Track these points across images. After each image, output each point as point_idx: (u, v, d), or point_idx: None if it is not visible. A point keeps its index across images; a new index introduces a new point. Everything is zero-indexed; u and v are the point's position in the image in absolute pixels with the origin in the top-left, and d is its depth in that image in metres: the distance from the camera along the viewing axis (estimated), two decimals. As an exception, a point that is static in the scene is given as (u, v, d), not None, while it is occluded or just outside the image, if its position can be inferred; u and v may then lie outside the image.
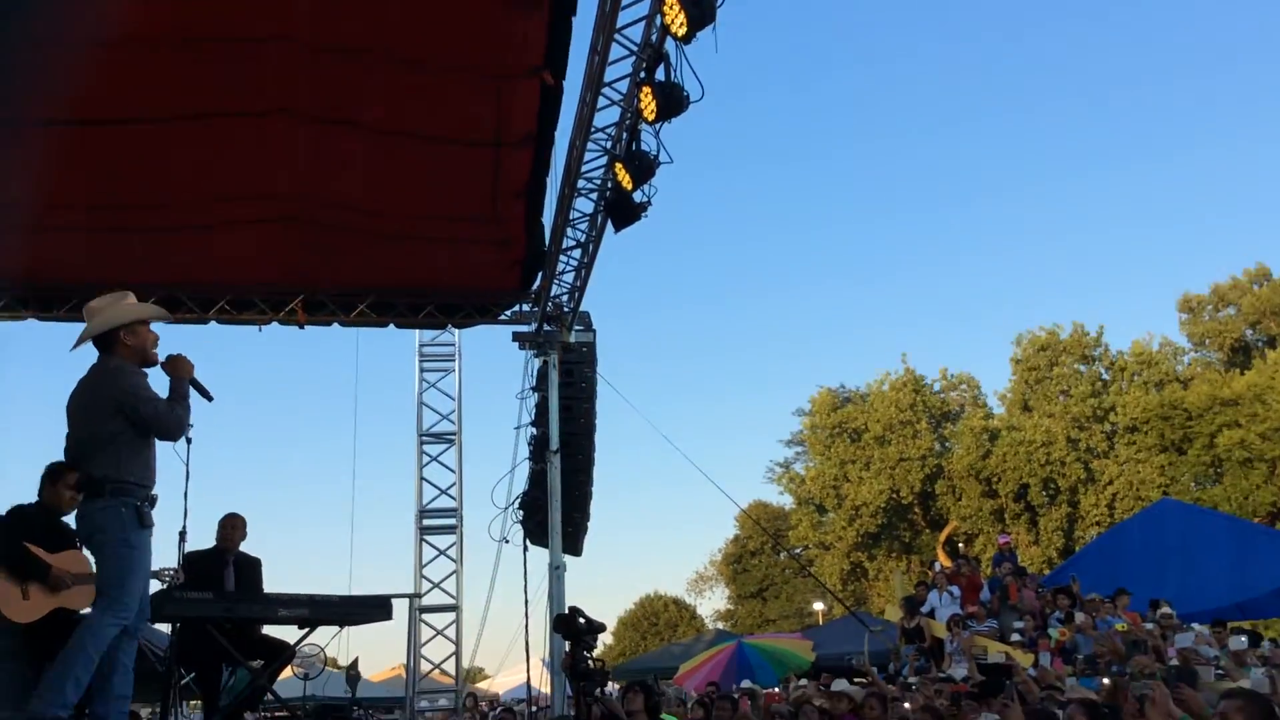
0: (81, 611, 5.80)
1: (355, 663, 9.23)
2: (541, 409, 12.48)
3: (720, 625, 47.77)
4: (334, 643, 8.25)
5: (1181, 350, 41.63)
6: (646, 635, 52.73)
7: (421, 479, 13.23)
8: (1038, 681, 9.06)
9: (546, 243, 11.09)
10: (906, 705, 9.12)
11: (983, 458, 38.29)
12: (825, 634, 22.26)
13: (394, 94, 8.56)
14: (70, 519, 5.79)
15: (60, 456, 5.63)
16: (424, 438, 13.36)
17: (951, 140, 68.14)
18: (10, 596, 5.55)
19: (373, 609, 7.82)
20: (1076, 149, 64.43)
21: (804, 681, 14.76)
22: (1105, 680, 8.98)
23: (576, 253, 11.31)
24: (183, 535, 6.82)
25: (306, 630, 7.66)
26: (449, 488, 13.22)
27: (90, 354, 5.49)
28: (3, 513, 5.97)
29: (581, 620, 6.87)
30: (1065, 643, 12.14)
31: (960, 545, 37.15)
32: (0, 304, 11.18)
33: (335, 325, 12.07)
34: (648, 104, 7.70)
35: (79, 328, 5.57)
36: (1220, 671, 9.12)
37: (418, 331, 13.21)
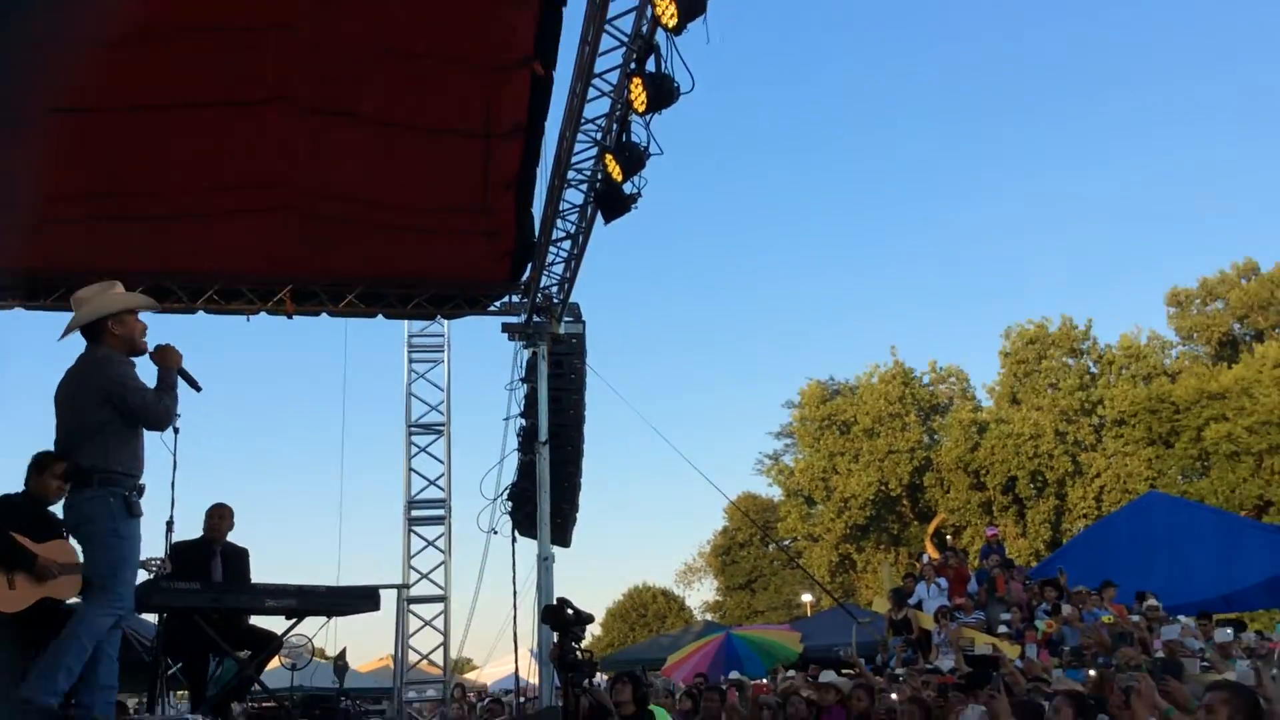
0: (68, 601, 5.79)
1: (343, 653, 9.18)
2: (531, 400, 12.47)
3: (709, 616, 47.84)
4: (321, 633, 8.24)
5: (1169, 344, 41.80)
6: (635, 626, 52.80)
7: (410, 470, 13.20)
8: (1024, 673, 9.10)
9: (536, 234, 11.07)
10: (894, 696, 9.16)
11: (971, 450, 38.39)
12: (813, 625, 22.32)
13: (385, 85, 8.55)
14: (57, 509, 5.78)
15: (44, 446, 5.62)
16: (412, 428, 13.33)
17: (941, 134, 68.24)
18: (-4, 586, 5.53)
19: (360, 600, 7.82)
20: (1067, 143, 64.62)
21: (792, 673, 14.78)
22: (1091, 672, 9.03)
23: (566, 244, 11.29)
24: (170, 525, 6.80)
25: (294, 621, 7.65)
26: (438, 479, 13.20)
27: (79, 344, 5.48)
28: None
29: (570, 611, 6.87)
30: (1052, 634, 12.21)
31: (948, 537, 37.27)
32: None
33: (324, 315, 12.04)
34: (638, 95, 7.68)
35: (67, 316, 5.56)
36: (1205, 663, 9.16)
37: (406, 322, 13.17)
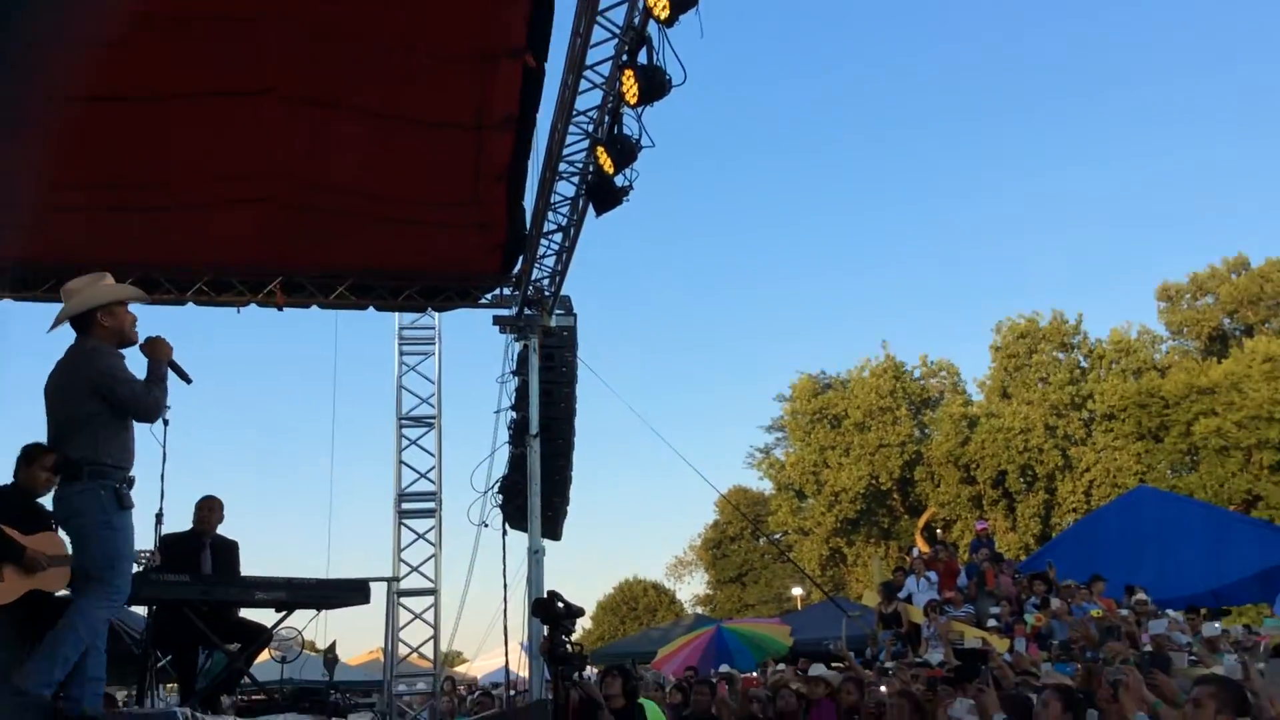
0: (57, 594, 5.77)
1: (333, 646, 9.22)
2: (522, 393, 12.45)
3: (699, 610, 47.97)
4: (311, 626, 8.24)
5: (1159, 339, 41.98)
6: (625, 620, 52.87)
7: (400, 462, 13.17)
8: (1013, 667, 9.12)
9: (527, 226, 11.04)
10: (883, 689, 9.17)
11: (961, 444, 38.50)
12: (803, 619, 22.37)
13: (376, 76, 8.51)
14: (46, 501, 5.76)
15: (33, 439, 5.60)
16: (403, 421, 13.28)
17: (935, 133, 68.37)
18: (-16, 578, 5.52)
19: (350, 592, 7.81)
20: (1059, 141, 64.70)
21: (782, 666, 14.81)
22: (1080, 666, 9.05)
23: (558, 236, 11.27)
24: (159, 517, 6.80)
25: (284, 613, 7.64)
26: (428, 471, 13.16)
27: (69, 335, 5.45)
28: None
29: (560, 604, 6.87)
30: (1041, 628, 12.24)
31: (938, 531, 37.35)
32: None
33: (314, 308, 12.00)
34: (629, 87, 7.66)
35: (55, 308, 5.53)
36: (1193, 658, 9.20)
37: (397, 314, 13.14)
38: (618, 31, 7.90)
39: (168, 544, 7.20)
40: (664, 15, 6.90)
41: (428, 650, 12.61)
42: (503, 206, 10.52)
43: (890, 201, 69.72)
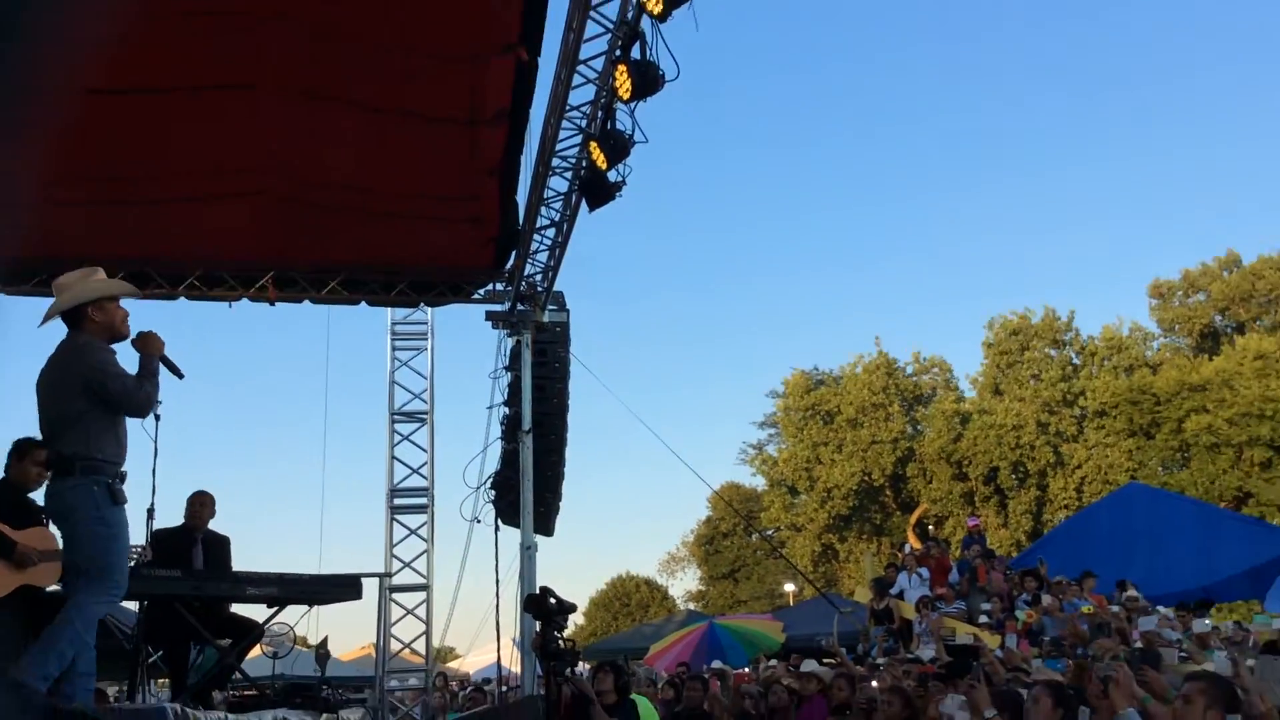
0: (48, 589, 5.76)
1: (324, 642, 9.19)
2: (514, 388, 12.44)
3: (691, 606, 47.94)
4: (303, 621, 8.24)
5: (1151, 335, 42.06)
6: (618, 616, 52.85)
7: (393, 458, 13.16)
8: (1004, 663, 9.13)
9: (520, 221, 11.03)
10: (874, 685, 9.17)
11: (954, 441, 38.54)
12: (795, 615, 22.39)
13: (371, 70, 8.48)
14: (38, 496, 5.75)
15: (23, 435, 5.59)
16: (395, 416, 13.28)
17: (929, 129, 68.31)
18: (-25, 573, 5.51)
19: (342, 588, 7.80)
20: (1052, 138, 64.70)
21: (774, 662, 14.84)
22: (1070, 662, 9.07)
23: (550, 232, 11.26)
24: (151, 513, 6.78)
25: (275, 609, 7.63)
26: (420, 467, 13.16)
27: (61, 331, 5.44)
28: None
29: (552, 600, 6.86)
30: (1032, 625, 12.26)
31: (930, 528, 37.41)
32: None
33: (306, 303, 11.98)
34: (623, 82, 7.66)
35: (47, 302, 5.52)
36: (1183, 654, 9.22)
37: (389, 309, 13.13)
38: (611, 26, 7.90)
39: (159, 539, 7.18)
40: (657, 10, 6.90)
41: (420, 646, 12.61)
42: (495, 201, 10.50)
43: (884, 198, 69.83)
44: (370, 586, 8.56)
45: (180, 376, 5.75)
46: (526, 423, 11.94)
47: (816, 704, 9.62)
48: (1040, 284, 72.88)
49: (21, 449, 5.85)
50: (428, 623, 12.53)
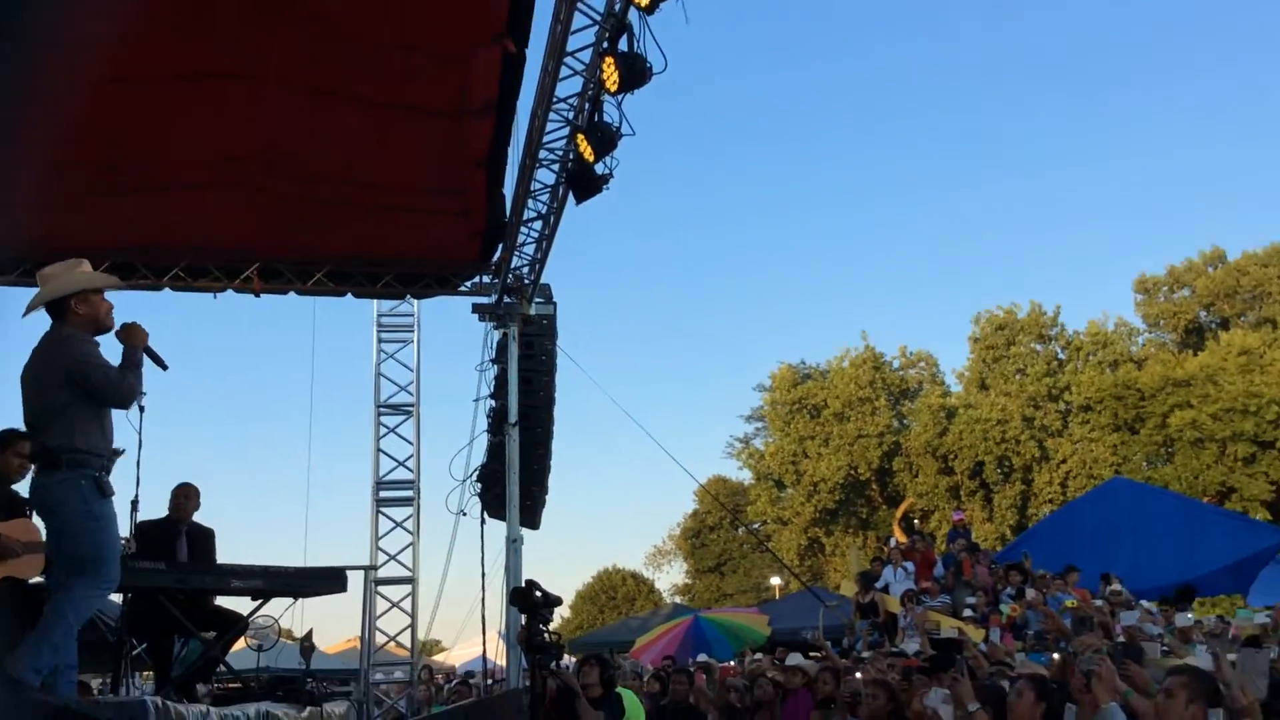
0: (30, 581, 5.73)
1: (309, 635, 9.15)
2: (501, 381, 12.41)
3: (678, 599, 48.01)
4: (288, 614, 8.21)
5: (1136, 331, 42.25)
6: (604, 609, 52.93)
7: (379, 450, 13.13)
8: (988, 657, 9.15)
9: (507, 214, 10.99)
10: (859, 678, 9.20)
11: (940, 435, 38.65)
12: (781, 608, 22.45)
13: (357, 61, 8.43)
14: (20, 487, 5.72)
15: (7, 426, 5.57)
16: (381, 409, 13.24)
17: (919, 127, 68.52)
18: (-44, 565, 5.48)
19: (327, 581, 7.80)
20: (1041, 135, 64.95)
21: (759, 655, 14.86)
22: (1055, 655, 9.10)
23: (537, 224, 11.23)
24: (135, 504, 6.75)
25: (260, 601, 7.62)
26: (406, 459, 13.12)
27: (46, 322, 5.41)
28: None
29: (538, 593, 6.85)
30: (1016, 618, 12.31)
31: (916, 521, 37.56)
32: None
33: (292, 294, 11.92)
34: (610, 74, 7.63)
35: (30, 292, 5.49)
36: (1166, 648, 9.26)
37: (375, 302, 13.07)
38: (598, 18, 7.87)
39: (143, 531, 7.14)
40: (645, 2, 6.89)
41: (405, 639, 12.59)
42: (482, 193, 10.45)
43: (872, 194, 70.08)
44: (355, 579, 8.54)
45: (164, 368, 5.74)
46: (513, 416, 11.92)
47: (801, 697, 9.64)
48: (1027, 279, 73.09)
49: (4, 440, 5.82)
50: (413, 616, 12.51)
